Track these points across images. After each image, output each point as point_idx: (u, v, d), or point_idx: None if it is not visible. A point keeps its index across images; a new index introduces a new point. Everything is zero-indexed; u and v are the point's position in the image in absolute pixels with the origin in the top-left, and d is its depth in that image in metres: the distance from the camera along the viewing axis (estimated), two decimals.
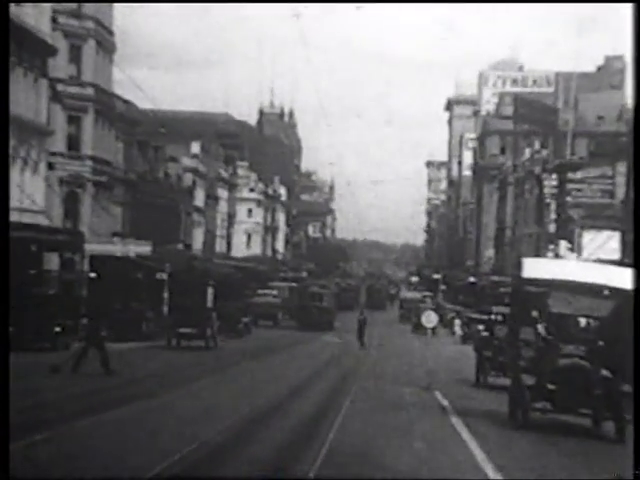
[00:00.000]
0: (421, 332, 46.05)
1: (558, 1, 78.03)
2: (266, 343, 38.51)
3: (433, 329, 47.33)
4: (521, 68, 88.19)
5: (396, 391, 22.84)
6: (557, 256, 49.90)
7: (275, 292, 56.62)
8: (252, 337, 41.55)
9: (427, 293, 74.33)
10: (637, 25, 14.12)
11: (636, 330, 14.46)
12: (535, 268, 17.88)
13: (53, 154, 45.40)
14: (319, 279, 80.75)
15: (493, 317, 28.20)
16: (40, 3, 41.24)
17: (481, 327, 45.12)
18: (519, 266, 18.26)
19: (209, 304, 32.99)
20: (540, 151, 66.60)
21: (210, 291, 33.27)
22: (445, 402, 20.67)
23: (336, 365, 30.69)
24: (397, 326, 61.76)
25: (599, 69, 77.34)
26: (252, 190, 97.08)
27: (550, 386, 16.39)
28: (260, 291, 55.17)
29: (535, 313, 17.49)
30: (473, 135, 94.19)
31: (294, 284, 63.01)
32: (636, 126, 15.95)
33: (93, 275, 35.34)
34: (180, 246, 61.79)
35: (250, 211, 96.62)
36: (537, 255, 57.97)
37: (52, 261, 35.81)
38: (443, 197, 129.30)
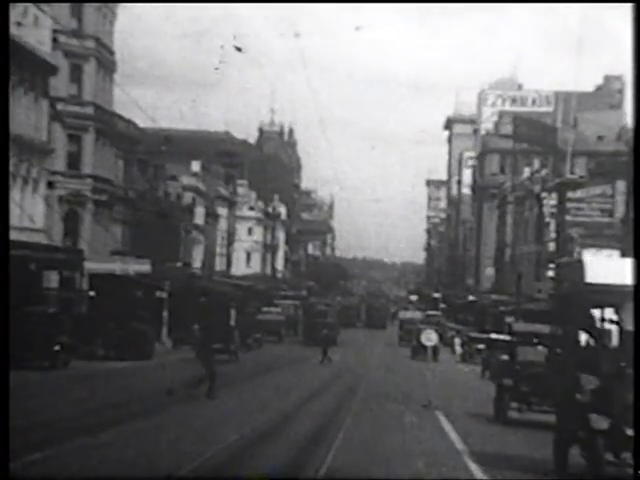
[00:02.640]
0: (421, 357, 40.54)
1: (558, 1, 78.06)
2: (274, 358, 41.24)
3: (435, 353, 41.55)
4: (520, 87, 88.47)
5: (397, 414, 22.39)
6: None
7: (279, 309, 60.19)
8: (261, 351, 44.44)
9: (432, 312, 69.26)
10: (637, 25, 14.01)
11: (636, 330, 12.81)
12: (602, 271, 13.29)
13: (53, 173, 45.45)
14: (319, 297, 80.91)
15: (502, 337, 24.48)
16: (40, 11, 41.44)
17: (482, 346, 45.14)
18: (577, 268, 13.77)
19: (232, 323, 37.12)
20: (539, 170, 66.74)
21: (233, 312, 37.87)
22: (460, 444, 17.09)
23: (336, 384, 31.26)
24: (395, 350, 54.98)
25: (598, 89, 77.64)
26: (252, 208, 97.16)
27: (628, 431, 12.21)
28: (265, 309, 58.32)
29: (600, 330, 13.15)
30: (473, 154, 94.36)
31: (297, 302, 66.92)
32: (636, 127, 15.29)
33: (92, 293, 35.35)
34: (180, 264, 61.80)
35: (250, 229, 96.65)
36: (537, 274, 58.07)
37: (52, 279, 35.83)
38: (443, 215, 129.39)
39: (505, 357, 23.25)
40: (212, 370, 22.55)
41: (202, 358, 23.05)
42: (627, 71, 75.05)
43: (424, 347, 31.50)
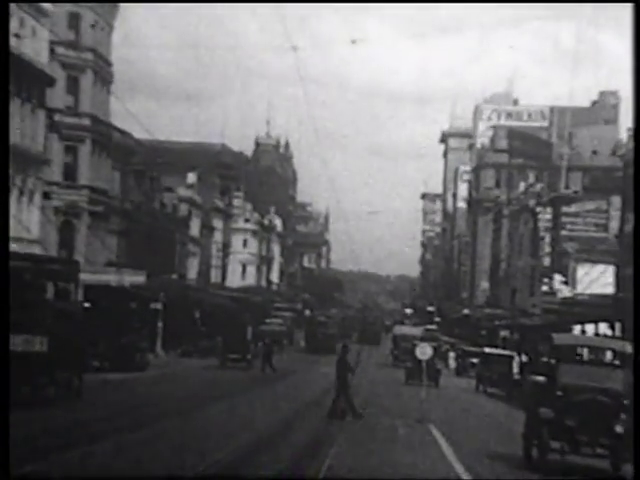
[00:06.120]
0: (417, 381, 33.56)
1: (559, 1, 78.32)
2: (280, 365, 43.28)
3: (435, 376, 36.79)
4: (516, 102, 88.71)
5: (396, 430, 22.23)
6: (551, 289, 50.02)
7: (280, 321, 64.47)
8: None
9: (430, 327, 66.64)
10: (637, 25, 14.07)
11: (636, 330, 12.78)
12: None
13: (49, 183, 45.46)
14: (314, 310, 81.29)
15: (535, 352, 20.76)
16: (38, 23, 41.55)
17: (475, 360, 44.95)
18: None
19: (249, 337, 42.68)
20: (534, 184, 66.91)
21: (250, 329, 43.42)
22: None
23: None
24: (387, 373, 46.31)
25: (593, 104, 77.93)
26: (247, 221, 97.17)
27: None
28: (268, 320, 62.65)
29: None
30: (468, 168, 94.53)
31: (293, 314, 72.16)
32: (636, 130, 15.14)
33: (87, 305, 35.30)
34: (175, 276, 61.78)
35: (245, 241, 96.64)
36: (532, 289, 58.15)
37: (47, 290, 35.69)
38: (438, 229, 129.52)
39: (540, 379, 17.49)
40: (346, 392, 23.27)
41: (340, 382, 23.63)
42: (622, 87, 75.44)
43: (420, 368, 28.93)
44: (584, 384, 16.21)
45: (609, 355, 17.58)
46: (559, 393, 16.27)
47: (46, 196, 44.65)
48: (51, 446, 15.27)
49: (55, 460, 13.95)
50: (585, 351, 18.04)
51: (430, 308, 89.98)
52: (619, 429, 13.86)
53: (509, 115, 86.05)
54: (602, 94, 78.00)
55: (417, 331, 58.22)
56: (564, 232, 53.05)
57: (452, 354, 53.75)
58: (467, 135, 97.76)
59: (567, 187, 59.58)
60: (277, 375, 38.51)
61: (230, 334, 42.13)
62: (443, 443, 19.33)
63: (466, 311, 71.66)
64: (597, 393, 15.93)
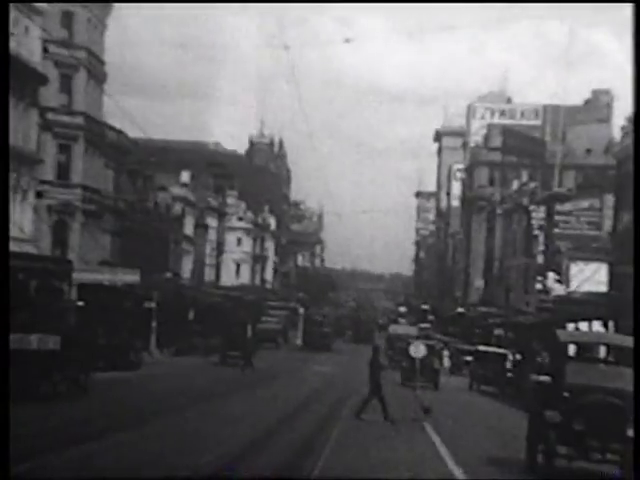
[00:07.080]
0: (414, 382, 31.07)
1: (553, 1, 78.67)
2: (275, 363, 46.07)
3: (433, 376, 35.79)
4: (509, 100, 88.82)
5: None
6: (545, 288, 50.12)
7: (277, 319, 65.56)
8: (264, 356, 47.35)
9: (424, 325, 66.60)
10: (637, 25, 14.13)
11: (636, 331, 12.83)
12: None
13: (42, 182, 45.39)
14: (309, 309, 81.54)
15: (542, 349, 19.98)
16: (31, 21, 41.49)
17: (469, 358, 44.97)
18: None
19: (248, 334, 43.05)
20: (528, 183, 66.99)
21: (249, 327, 43.93)
22: None
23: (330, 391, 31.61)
24: (382, 373, 44.32)
25: (586, 103, 78.06)
26: (241, 219, 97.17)
27: None
28: (264, 318, 63.49)
29: None
30: (462, 166, 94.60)
31: (287, 312, 73.00)
32: (636, 129, 15.18)
33: (81, 304, 35.26)
34: (169, 275, 61.75)
35: (239, 240, 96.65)
36: (525, 287, 58.24)
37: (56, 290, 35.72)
38: (432, 227, 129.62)
39: (544, 378, 16.15)
40: (381, 393, 23.29)
41: (372, 381, 23.68)
42: (615, 85, 75.55)
43: (415, 368, 28.42)
44: (592, 384, 15.09)
45: (602, 351, 17.28)
46: (566, 394, 15.04)
47: (39, 195, 44.61)
48: (50, 443, 15.57)
49: (55, 458, 14.17)
50: (583, 348, 17.37)
51: (424, 306, 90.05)
52: (631, 433, 13.17)
53: (502, 113, 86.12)
54: (595, 92, 78.17)
55: (413, 330, 56.09)
56: (557, 230, 53.14)
57: (446, 352, 53.72)
58: (461, 133, 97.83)
59: (560, 185, 59.68)
60: (275, 372, 38.93)
61: (230, 332, 42.79)
62: (439, 444, 19.09)
63: (460, 309, 71.72)
64: (607, 394, 14.89)
